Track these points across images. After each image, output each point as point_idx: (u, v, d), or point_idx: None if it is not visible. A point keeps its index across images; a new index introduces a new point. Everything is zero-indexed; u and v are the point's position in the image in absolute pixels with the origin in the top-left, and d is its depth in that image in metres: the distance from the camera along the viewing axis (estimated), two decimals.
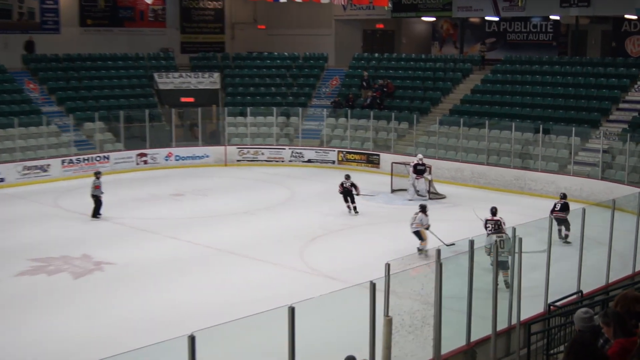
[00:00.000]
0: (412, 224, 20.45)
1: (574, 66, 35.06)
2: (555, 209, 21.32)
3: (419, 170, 27.72)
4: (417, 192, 27.86)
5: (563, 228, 20.56)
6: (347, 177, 26.12)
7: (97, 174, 25.44)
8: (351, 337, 12.70)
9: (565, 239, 20.13)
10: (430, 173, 28.31)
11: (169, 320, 15.64)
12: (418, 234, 20.27)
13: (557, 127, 30.85)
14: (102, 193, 24.95)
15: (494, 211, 20.00)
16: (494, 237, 16.97)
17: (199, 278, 18.75)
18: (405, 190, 28.43)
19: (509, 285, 13.77)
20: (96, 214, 24.83)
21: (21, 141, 32.03)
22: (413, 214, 20.69)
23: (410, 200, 27.57)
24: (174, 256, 20.52)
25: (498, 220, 19.82)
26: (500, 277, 14.40)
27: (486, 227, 19.58)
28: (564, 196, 22.09)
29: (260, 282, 18.37)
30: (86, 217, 24.79)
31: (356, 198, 25.68)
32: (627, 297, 7.80)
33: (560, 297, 13.65)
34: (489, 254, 14.21)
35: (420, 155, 28.52)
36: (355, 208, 25.58)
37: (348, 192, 25.61)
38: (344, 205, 25.79)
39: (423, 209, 20.63)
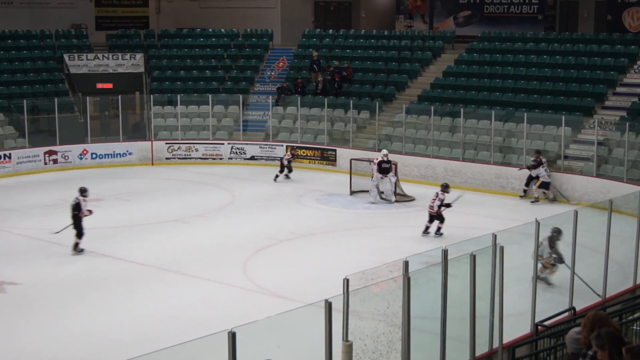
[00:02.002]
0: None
1: (563, 44, 35.55)
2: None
3: (384, 168, 27.78)
4: (380, 194, 28.00)
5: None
6: (293, 150, 33.00)
7: None
8: None
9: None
10: (395, 172, 28.44)
11: (85, 351, 15.53)
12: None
13: (545, 116, 31.24)
14: None
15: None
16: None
17: (122, 300, 18.61)
18: (367, 191, 28.54)
19: None
20: None
21: None
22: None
23: (372, 203, 27.73)
24: (92, 274, 20.31)
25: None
26: None
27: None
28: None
29: (195, 303, 18.30)
30: None
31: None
32: (601, 317, 8.10)
33: (549, 315, 13.82)
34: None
35: (385, 151, 28.62)
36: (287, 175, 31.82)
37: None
38: (293, 208, 26.49)
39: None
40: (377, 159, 28.35)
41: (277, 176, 31.58)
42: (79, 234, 21.74)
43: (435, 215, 23.49)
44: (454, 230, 23.58)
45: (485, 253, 12.30)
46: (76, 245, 21.71)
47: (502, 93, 33.91)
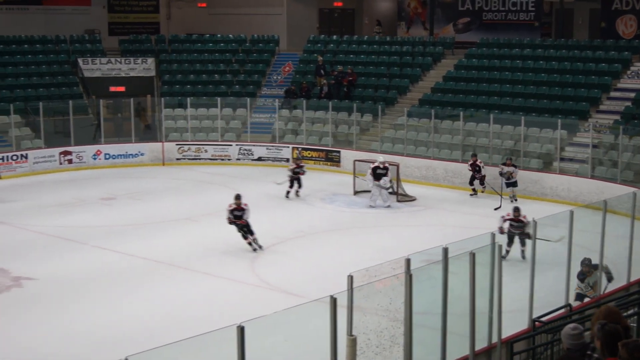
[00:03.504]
0: None
1: (559, 50, 35.48)
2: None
3: (379, 174, 27.36)
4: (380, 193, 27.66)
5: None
6: (298, 159, 30.20)
7: None
8: None
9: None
10: (397, 173, 28.31)
11: (99, 344, 15.56)
12: None
13: (541, 119, 31.18)
14: None
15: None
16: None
17: (134, 295, 18.64)
18: (369, 191, 28.31)
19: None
20: None
21: None
22: None
23: (372, 207, 27.47)
24: (105, 270, 20.31)
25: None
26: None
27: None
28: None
29: (204, 299, 18.33)
30: (1, 225, 24.63)
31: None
32: (612, 312, 8.01)
33: (546, 311, 13.80)
34: None
35: (381, 158, 28.31)
36: (297, 192, 28.82)
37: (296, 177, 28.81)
38: (298, 208, 26.70)
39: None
40: (372, 164, 28.07)
41: (288, 192, 28.87)
42: (250, 232, 21.99)
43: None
44: (454, 229, 23.58)
45: (484, 251, 12.29)
46: (250, 243, 21.94)
47: (500, 97, 33.86)
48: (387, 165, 27.61)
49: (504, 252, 19.33)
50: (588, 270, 16.27)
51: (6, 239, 23.41)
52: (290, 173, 28.84)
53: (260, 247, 22.06)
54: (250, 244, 21.96)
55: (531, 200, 28.17)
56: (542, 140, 30.52)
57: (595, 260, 15.96)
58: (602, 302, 14.80)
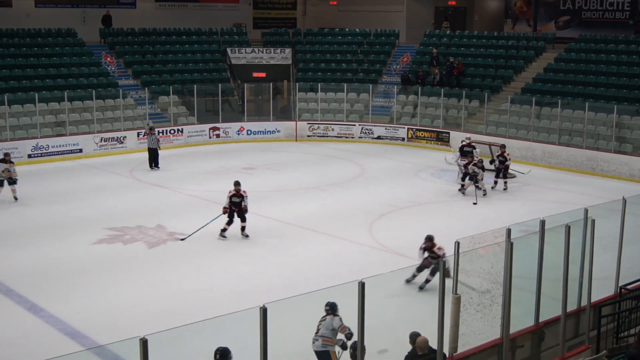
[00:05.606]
0: None
1: None
2: None
3: (465, 152, 26.57)
4: (456, 164, 26.60)
5: None
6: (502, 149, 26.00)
7: (151, 129, 29.05)
8: (419, 314, 12.76)
9: None
10: (485, 154, 27.87)
11: (242, 292, 15.88)
12: None
13: (632, 108, 30.18)
14: (155, 147, 28.54)
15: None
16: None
17: (269, 251, 18.95)
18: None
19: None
20: (150, 165, 28.55)
21: (98, 113, 32.67)
22: None
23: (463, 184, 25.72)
24: (247, 230, 20.61)
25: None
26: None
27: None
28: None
29: (329, 257, 18.47)
30: (161, 189, 25.37)
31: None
32: None
33: (632, 280, 13.43)
34: None
35: (467, 135, 27.90)
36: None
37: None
38: (411, 182, 26.21)
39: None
40: (462, 141, 27.63)
41: (484, 191, 24.89)
42: (243, 218, 19.82)
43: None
44: (550, 204, 23.13)
45: (577, 225, 12.01)
46: (225, 230, 19.79)
47: (595, 88, 32.84)
48: (472, 143, 27.09)
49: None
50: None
51: (164, 200, 24.10)
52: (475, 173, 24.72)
53: (246, 236, 19.78)
54: (225, 230, 19.72)
55: (621, 180, 27.39)
56: (632, 127, 29.53)
57: None
58: None
